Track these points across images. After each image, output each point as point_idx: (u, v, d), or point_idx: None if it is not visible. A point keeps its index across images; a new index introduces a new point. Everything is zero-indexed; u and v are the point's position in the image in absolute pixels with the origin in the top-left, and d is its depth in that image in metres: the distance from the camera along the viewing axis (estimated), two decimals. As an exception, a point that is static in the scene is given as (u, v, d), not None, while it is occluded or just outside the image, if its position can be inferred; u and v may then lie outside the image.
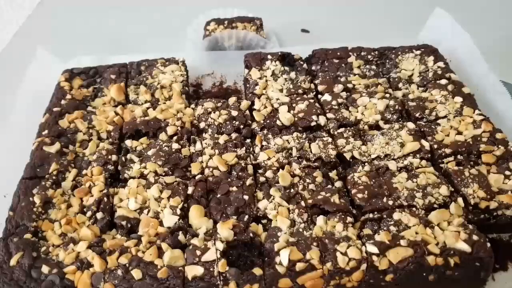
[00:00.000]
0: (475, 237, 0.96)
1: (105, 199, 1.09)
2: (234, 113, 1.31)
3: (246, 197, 1.08)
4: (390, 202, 1.05)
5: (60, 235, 1.03)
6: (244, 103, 1.35)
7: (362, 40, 1.57)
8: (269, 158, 1.18)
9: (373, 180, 1.10)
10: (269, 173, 1.14)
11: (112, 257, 0.96)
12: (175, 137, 1.25)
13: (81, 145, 1.23)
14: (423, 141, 1.20)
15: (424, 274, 0.95)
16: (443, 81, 1.38)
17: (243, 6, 1.81)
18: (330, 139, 1.22)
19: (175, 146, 1.21)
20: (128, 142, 1.24)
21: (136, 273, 0.93)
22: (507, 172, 1.11)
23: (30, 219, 1.04)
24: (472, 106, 1.29)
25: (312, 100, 1.34)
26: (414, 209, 1.04)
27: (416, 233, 0.98)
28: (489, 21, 1.85)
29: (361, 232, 1.01)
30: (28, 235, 1.01)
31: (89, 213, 1.07)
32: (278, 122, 1.28)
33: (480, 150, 1.17)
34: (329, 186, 1.11)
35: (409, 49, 1.51)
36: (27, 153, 1.21)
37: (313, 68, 1.49)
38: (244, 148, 1.22)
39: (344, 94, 1.36)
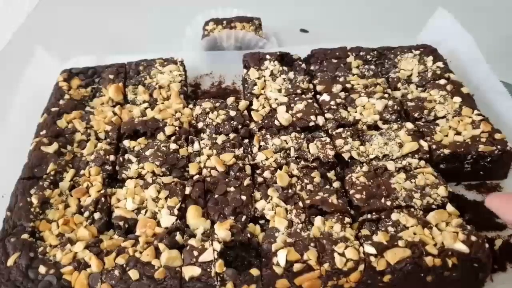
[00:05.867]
0: (473, 238, 0.96)
1: (103, 199, 1.09)
2: (232, 113, 1.31)
3: (243, 197, 1.07)
4: (388, 203, 1.05)
5: (58, 235, 1.02)
6: (242, 103, 1.34)
7: (361, 40, 1.56)
8: (267, 159, 1.18)
9: (371, 181, 1.10)
10: (267, 174, 1.13)
11: (109, 258, 0.96)
12: (173, 137, 1.25)
13: (79, 145, 1.23)
14: (421, 142, 1.19)
15: (422, 274, 0.94)
16: (442, 81, 1.37)
17: (242, 6, 1.81)
18: (328, 139, 1.22)
19: (173, 146, 1.21)
20: (126, 142, 1.24)
21: (133, 274, 0.93)
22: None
23: (27, 219, 1.04)
24: (471, 106, 1.29)
25: (310, 100, 1.34)
26: (412, 209, 1.04)
27: (414, 233, 0.97)
28: (489, 21, 1.84)
29: (359, 232, 1.00)
30: (25, 235, 1.01)
31: (86, 214, 1.06)
32: (276, 122, 1.27)
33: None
34: (327, 186, 1.10)
35: (408, 49, 1.50)
36: (25, 153, 1.21)
37: (312, 68, 1.48)
38: (242, 148, 1.22)
39: (342, 94, 1.36)
